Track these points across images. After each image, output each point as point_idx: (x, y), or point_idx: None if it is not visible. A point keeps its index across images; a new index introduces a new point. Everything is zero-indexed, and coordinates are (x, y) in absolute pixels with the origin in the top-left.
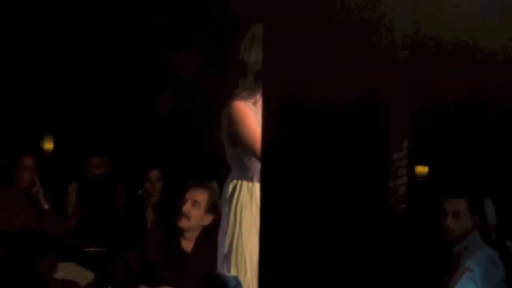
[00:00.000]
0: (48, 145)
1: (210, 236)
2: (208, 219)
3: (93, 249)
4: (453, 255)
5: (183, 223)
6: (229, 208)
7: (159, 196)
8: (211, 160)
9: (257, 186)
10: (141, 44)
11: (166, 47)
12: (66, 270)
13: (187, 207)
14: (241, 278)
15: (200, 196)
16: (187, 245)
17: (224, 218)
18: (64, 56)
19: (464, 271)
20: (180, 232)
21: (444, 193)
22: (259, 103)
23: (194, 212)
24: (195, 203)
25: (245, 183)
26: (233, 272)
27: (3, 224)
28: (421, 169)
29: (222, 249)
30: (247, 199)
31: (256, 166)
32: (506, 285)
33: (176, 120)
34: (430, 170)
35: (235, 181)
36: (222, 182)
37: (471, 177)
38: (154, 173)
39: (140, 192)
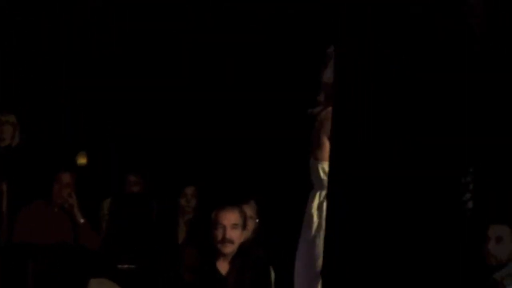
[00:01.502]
0: (82, 161)
1: (244, 254)
2: (243, 237)
3: (125, 265)
4: (495, 281)
5: (228, 249)
6: (320, 220)
7: (192, 214)
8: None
9: None
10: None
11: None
12: (98, 286)
13: (229, 232)
14: None
15: (235, 217)
16: (223, 266)
17: (311, 232)
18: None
19: None
20: (219, 254)
21: (488, 218)
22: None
23: (235, 234)
24: (234, 226)
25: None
26: None
27: (40, 238)
28: None
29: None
30: None
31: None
32: None
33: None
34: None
35: (318, 193)
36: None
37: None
38: (190, 190)
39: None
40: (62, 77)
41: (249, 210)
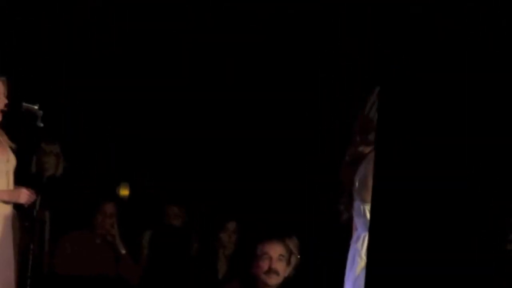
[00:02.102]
0: (124, 192)
1: None
2: (288, 272)
3: None
4: None
5: (274, 281)
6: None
7: (233, 248)
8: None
9: None
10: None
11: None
12: None
13: (275, 263)
14: None
15: (282, 249)
16: None
17: (356, 273)
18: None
19: None
20: (262, 286)
21: None
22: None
23: (281, 266)
24: (280, 257)
25: None
26: None
27: (81, 269)
28: None
29: None
30: None
31: None
32: None
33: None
34: None
35: (363, 235)
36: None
37: None
38: (231, 225)
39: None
40: (62, 77)
41: (292, 245)
